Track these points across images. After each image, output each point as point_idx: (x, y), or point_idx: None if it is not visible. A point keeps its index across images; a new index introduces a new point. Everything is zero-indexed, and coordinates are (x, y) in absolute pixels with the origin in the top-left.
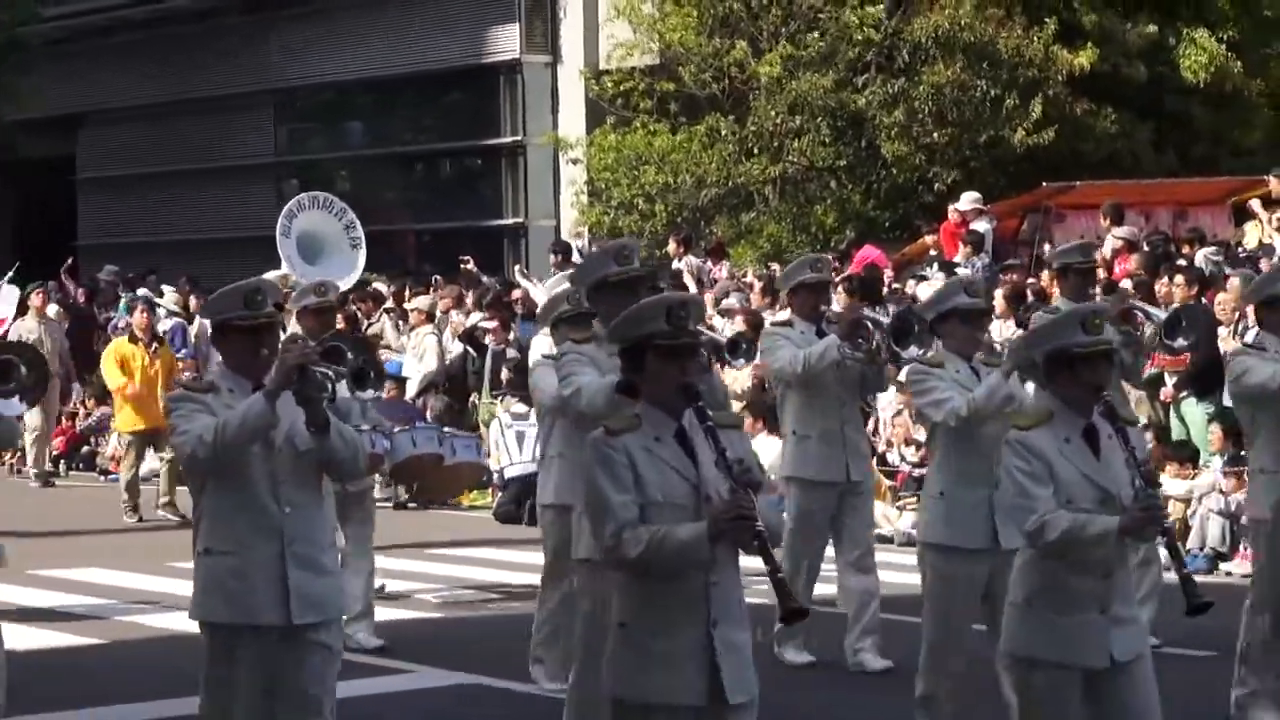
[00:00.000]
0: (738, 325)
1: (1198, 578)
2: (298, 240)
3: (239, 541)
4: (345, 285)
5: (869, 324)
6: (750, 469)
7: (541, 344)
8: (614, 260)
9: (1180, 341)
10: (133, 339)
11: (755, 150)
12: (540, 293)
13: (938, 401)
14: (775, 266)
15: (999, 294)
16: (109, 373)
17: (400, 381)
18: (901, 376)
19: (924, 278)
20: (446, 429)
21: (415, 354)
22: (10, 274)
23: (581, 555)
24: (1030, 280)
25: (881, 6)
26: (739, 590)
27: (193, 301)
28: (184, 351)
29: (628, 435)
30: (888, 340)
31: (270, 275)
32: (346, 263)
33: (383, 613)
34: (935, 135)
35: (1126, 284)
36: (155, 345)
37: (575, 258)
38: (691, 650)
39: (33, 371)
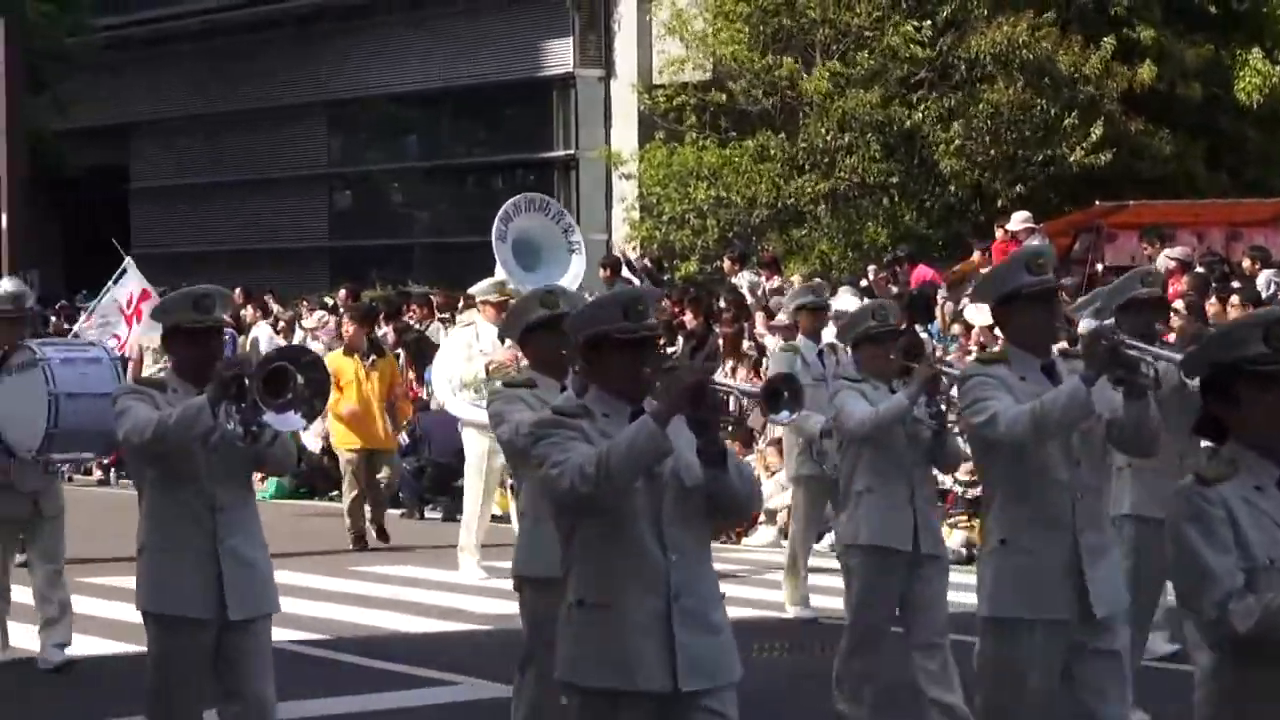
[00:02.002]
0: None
1: None
2: (512, 245)
3: (617, 593)
4: None
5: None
6: None
7: (783, 361)
8: (1027, 269)
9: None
10: (348, 351)
11: (806, 167)
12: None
13: None
14: (818, 281)
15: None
16: None
17: None
18: None
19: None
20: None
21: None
22: (123, 269)
23: (996, 613)
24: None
25: (930, 24)
26: None
27: (245, 313)
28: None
29: (1224, 484)
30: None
31: (484, 284)
32: (565, 270)
33: (430, 624)
34: (992, 152)
35: (1179, 304)
36: (373, 358)
37: (624, 272)
38: None
39: (312, 381)
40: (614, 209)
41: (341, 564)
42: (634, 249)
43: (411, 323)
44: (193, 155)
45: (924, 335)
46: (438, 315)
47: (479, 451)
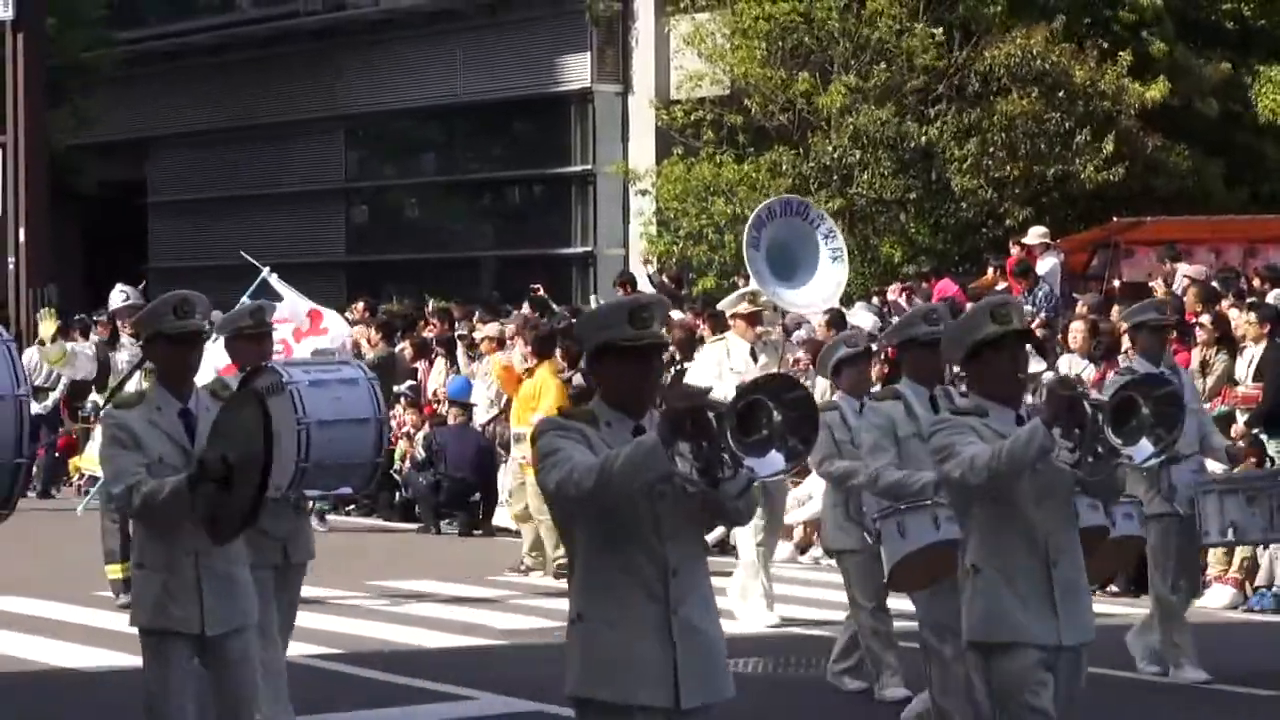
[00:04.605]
0: (801, 357)
1: (1267, 617)
2: (766, 253)
3: None
4: (826, 305)
5: None
6: None
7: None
8: None
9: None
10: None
11: (818, 183)
12: None
13: None
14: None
15: (1076, 328)
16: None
17: (467, 408)
18: None
19: None
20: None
21: (485, 381)
22: (261, 280)
23: None
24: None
25: (942, 30)
26: None
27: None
28: None
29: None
30: None
31: (734, 295)
32: (826, 280)
33: (447, 639)
34: (1007, 169)
35: (1205, 319)
36: (526, 361)
37: (641, 287)
38: None
39: (791, 419)
40: (631, 224)
41: (359, 578)
42: (651, 264)
43: (430, 336)
44: (210, 170)
45: None
46: (456, 330)
47: None
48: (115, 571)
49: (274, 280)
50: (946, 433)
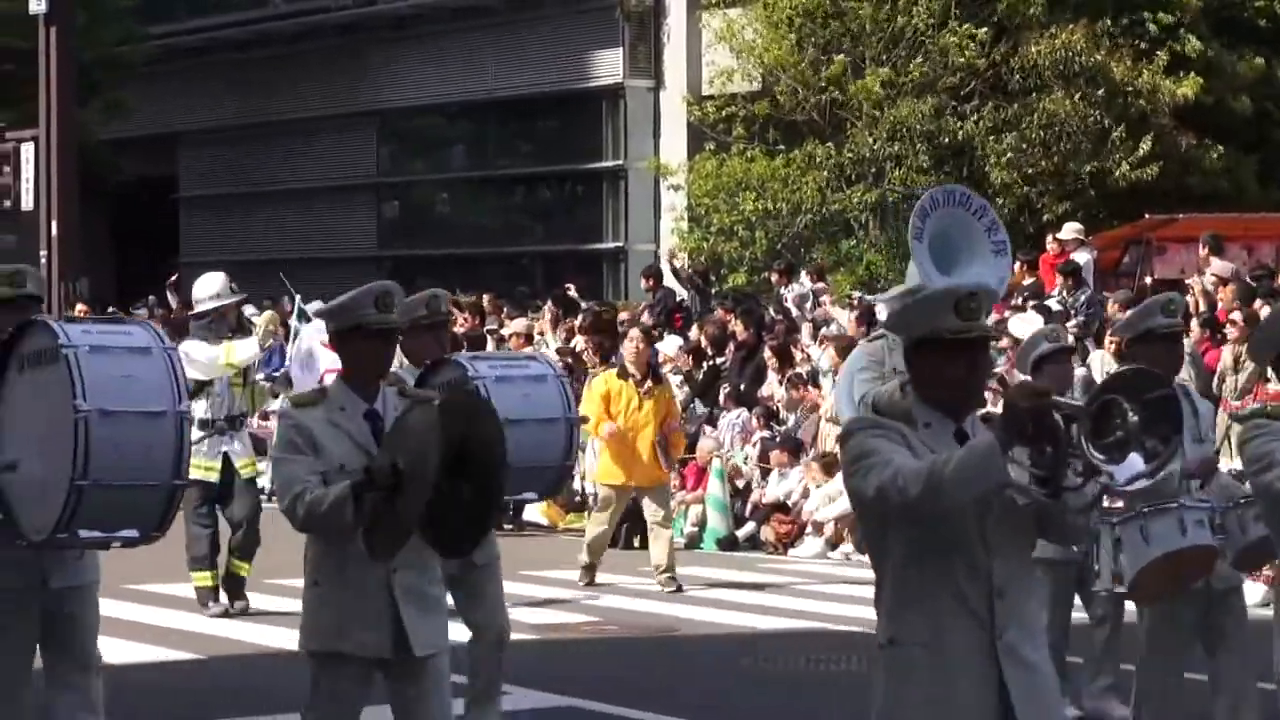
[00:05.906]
0: (829, 353)
1: None
2: (929, 245)
3: None
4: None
5: None
6: None
7: None
8: None
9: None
10: (622, 373)
11: (853, 177)
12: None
13: None
14: (857, 295)
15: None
16: (588, 408)
17: None
18: None
19: (1020, 308)
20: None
21: None
22: (302, 307)
23: None
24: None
25: (985, 30)
26: None
27: (292, 322)
28: (283, 371)
29: None
30: None
31: (894, 291)
32: (988, 273)
33: None
34: (1042, 164)
35: (1236, 316)
36: (648, 383)
37: (667, 281)
38: None
39: (1150, 420)
40: (662, 220)
41: None
42: (680, 260)
43: (460, 332)
44: (241, 164)
45: None
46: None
47: None
48: (205, 579)
49: (309, 309)
50: (1264, 439)
